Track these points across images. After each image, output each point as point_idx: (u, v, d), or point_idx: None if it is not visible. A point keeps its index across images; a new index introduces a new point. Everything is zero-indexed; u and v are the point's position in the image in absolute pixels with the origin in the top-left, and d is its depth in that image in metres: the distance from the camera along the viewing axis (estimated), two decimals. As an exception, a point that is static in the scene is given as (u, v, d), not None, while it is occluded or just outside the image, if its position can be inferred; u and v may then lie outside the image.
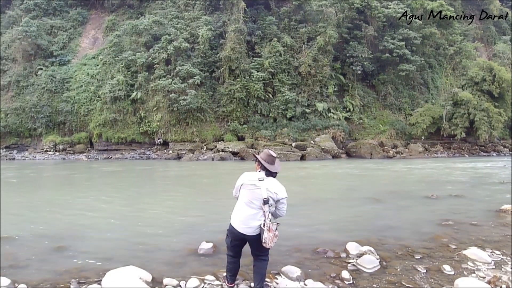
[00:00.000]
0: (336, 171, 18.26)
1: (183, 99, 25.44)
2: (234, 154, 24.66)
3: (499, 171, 16.79)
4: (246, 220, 3.51)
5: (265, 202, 3.45)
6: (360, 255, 4.76)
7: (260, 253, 3.60)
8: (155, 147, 27.69)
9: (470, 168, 18.84)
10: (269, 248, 3.58)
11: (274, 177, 3.68)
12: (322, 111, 27.84)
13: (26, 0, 32.42)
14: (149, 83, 27.40)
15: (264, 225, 3.41)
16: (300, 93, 28.28)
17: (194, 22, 29.40)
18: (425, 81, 32.75)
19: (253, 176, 3.62)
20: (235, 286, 3.86)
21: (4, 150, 28.06)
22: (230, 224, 3.65)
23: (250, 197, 3.54)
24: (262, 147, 23.79)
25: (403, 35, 29.39)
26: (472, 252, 4.88)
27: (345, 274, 4.17)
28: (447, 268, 4.38)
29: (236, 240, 3.63)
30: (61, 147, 27.61)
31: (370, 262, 4.50)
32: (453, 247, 5.25)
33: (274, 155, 3.69)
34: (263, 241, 3.39)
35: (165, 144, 27.51)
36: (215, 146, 25.83)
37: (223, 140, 26.55)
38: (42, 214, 7.91)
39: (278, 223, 3.54)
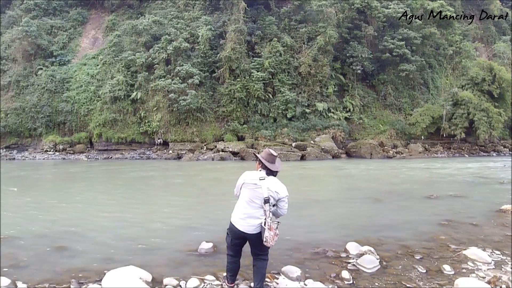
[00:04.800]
0: (336, 171, 18.27)
1: (183, 99, 25.43)
2: (234, 154, 24.66)
3: (499, 171, 16.78)
4: (246, 218, 3.53)
5: (266, 201, 3.46)
6: (360, 255, 4.76)
7: (260, 253, 3.61)
8: (155, 147, 27.69)
9: (470, 168, 18.83)
10: (268, 248, 3.58)
11: (275, 176, 3.69)
12: (322, 111, 27.84)
13: (26, 0, 32.43)
14: (149, 83, 27.39)
15: (265, 223, 3.43)
16: (300, 93, 28.27)
17: (194, 22, 29.40)
18: (425, 81, 32.74)
19: (254, 175, 3.63)
20: (235, 286, 3.86)
21: (4, 150, 28.07)
22: (231, 222, 3.66)
23: (251, 196, 3.55)
24: (262, 147, 23.79)
25: (403, 35, 29.38)
26: (472, 252, 4.88)
27: (345, 274, 4.16)
28: (447, 268, 4.38)
29: (237, 239, 3.64)
30: (61, 147, 27.61)
31: (370, 262, 4.50)
32: (453, 247, 5.25)
33: (275, 154, 3.70)
34: (264, 240, 3.41)
35: (165, 144, 27.51)
36: (215, 146, 25.83)
37: (223, 140, 26.54)
38: (42, 214, 7.91)
39: (278, 222, 3.55)
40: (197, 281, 3.95)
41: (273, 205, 3.56)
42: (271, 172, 3.64)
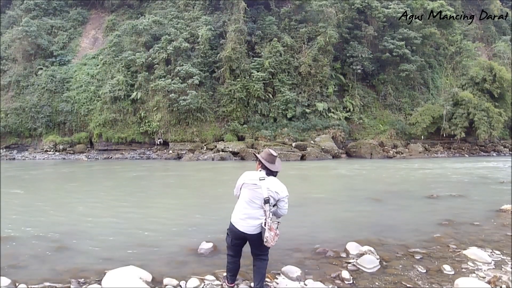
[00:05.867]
0: (336, 171, 18.26)
1: (183, 99, 25.44)
2: (234, 154, 24.66)
3: (499, 171, 16.78)
4: (246, 218, 3.53)
5: (266, 201, 3.46)
6: (360, 255, 4.76)
7: (260, 253, 3.61)
8: (155, 147, 27.69)
9: (470, 168, 18.82)
10: (269, 248, 3.58)
11: (275, 176, 3.68)
12: (322, 111, 27.83)
13: (26, 0, 32.42)
14: (149, 83, 27.39)
15: (265, 224, 3.42)
16: (300, 93, 28.27)
17: (194, 22, 29.39)
18: (425, 81, 32.74)
19: (254, 175, 3.63)
20: (235, 286, 3.86)
21: (4, 150, 28.07)
22: (231, 222, 3.66)
23: (251, 196, 3.55)
24: (262, 147, 23.79)
25: (403, 35, 29.38)
26: (472, 252, 4.88)
27: (345, 274, 4.16)
28: (447, 268, 4.38)
29: (237, 239, 3.64)
30: (61, 147, 27.62)
31: (370, 262, 4.50)
32: (453, 247, 5.25)
33: (275, 154, 3.69)
34: (265, 240, 3.40)
35: (165, 144, 27.51)
36: (215, 146, 25.83)
37: (223, 140, 26.54)
38: (42, 214, 7.90)
39: (278, 222, 3.55)
40: (197, 281, 3.95)
41: (273, 205, 3.56)
42: (271, 172, 3.64)
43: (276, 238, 3.45)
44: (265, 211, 3.46)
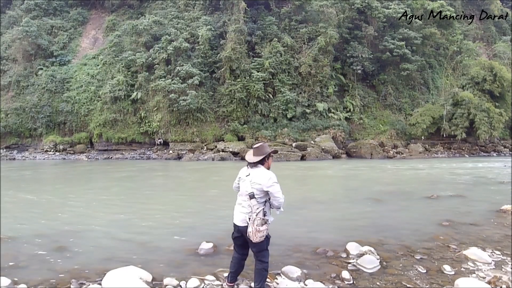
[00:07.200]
0: (336, 171, 18.26)
1: (183, 100, 25.43)
2: (235, 154, 24.66)
3: (499, 171, 16.78)
4: (238, 212, 3.64)
5: (251, 196, 3.48)
6: (360, 255, 4.76)
7: (256, 251, 3.60)
8: (156, 147, 27.69)
9: (470, 168, 18.83)
10: (263, 248, 3.55)
11: (263, 164, 3.65)
12: (322, 111, 27.83)
13: (27, 0, 32.43)
14: (149, 83, 27.40)
15: (249, 218, 3.46)
16: (300, 93, 28.27)
17: (194, 22, 29.40)
18: (426, 81, 32.75)
19: (244, 171, 3.72)
20: (235, 286, 3.86)
21: (5, 150, 28.07)
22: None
23: (242, 191, 3.67)
24: (262, 147, 23.73)
25: (403, 35, 29.40)
26: (472, 252, 4.88)
27: (345, 274, 4.16)
28: (447, 268, 4.37)
29: (236, 232, 3.70)
30: (61, 147, 27.61)
31: (370, 262, 4.50)
32: (453, 247, 5.25)
33: (254, 146, 3.73)
34: (248, 234, 3.45)
35: (165, 144, 27.51)
36: (216, 146, 25.84)
37: (224, 140, 26.54)
38: (42, 214, 7.91)
39: (262, 218, 3.43)
40: (197, 281, 3.95)
41: (269, 198, 3.55)
42: (253, 164, 3.65)
43: (258, 235, 3.39)
44: (250, 205, 3.47)
